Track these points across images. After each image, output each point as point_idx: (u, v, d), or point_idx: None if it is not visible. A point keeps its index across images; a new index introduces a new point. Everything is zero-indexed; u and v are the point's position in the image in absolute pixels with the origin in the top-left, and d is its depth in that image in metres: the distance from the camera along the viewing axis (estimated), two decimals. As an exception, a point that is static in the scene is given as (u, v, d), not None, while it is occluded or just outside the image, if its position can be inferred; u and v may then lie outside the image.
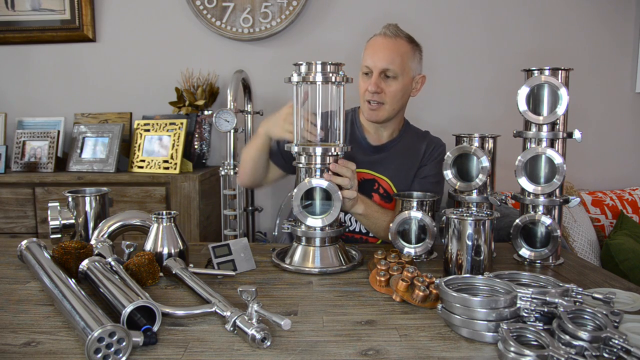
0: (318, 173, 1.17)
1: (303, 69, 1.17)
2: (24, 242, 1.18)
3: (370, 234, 1.52)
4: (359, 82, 1.53)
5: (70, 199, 1.29)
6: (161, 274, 1.08)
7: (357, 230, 1.53)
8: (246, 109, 2.41)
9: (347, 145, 1.21)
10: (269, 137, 1.43)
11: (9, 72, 2.59)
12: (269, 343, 0.76)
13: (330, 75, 1.16)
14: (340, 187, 1.17)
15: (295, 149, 1.18)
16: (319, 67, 1.16)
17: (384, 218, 1.37)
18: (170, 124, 2.29)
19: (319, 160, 1.16)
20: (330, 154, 1.16)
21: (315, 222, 1.16)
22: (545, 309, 0.81)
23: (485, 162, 1.25)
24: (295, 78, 1.18)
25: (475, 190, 1.29)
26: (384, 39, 1.50)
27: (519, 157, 1.23)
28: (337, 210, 1.16)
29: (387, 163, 1.55)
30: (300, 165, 1.19)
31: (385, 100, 1.48)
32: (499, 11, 2.50)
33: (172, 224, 1.13)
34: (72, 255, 1.07)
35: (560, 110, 1.18)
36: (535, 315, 0.80)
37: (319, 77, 1.16)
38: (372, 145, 1.57)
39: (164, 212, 1.12)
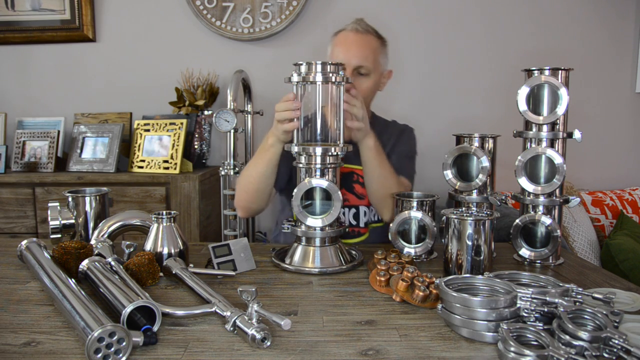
0: (318, 173, 1.17)
1: (303, 69, 1.17)
2: (24, 242, 1.18)
3: (361, 224, 1.51)
4: None
5: (70, 199, 1.29)
6: (161, 274, 1.08)
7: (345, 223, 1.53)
8: (246, 109, 2.41)
9: (348, 145, 1.21)
10: (281, 144, 1.29)
11: (9, 72, 2.59)
12: (269, 343, 0.76)
13: (330, 75, 1.16)
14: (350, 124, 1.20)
15: (295, 149, 1.18)
16: (319, 67, 1.16)
17: (388, 167, 1.37)
18: (170, 124, 2.29)
19: (319, 160, 1.16)
20: (330, 154, 1.16)
21: (315, 222, 1.16)
22: (545, 309, 0.81)
23: (485, 162, 1.25)
24: (295, 78, 1.18)
25: (475, 190, 1.29)
26: (356, 35, 1.46)
27: (519, 157, 1.23)
28: (337, 210, 1.16)
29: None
30: (300, 166, 1.19)
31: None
32: (498, 11, 2.50)
33: (172, 224, 1.13)
34: (72, 255, 1.07)
35: (560, 110, 1.18)
36: (535, 315, 0.80)
37: (319, 77, 1.16)
38: None
39: (164, 212, 1.12)
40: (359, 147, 1.35)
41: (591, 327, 0.78)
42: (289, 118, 1.21)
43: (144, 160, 2.27)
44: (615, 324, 0.78)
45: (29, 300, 0.97)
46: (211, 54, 2.52)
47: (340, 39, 1.48)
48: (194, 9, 2.45)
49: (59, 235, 1.27)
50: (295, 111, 1.19)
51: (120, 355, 0.73)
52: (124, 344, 0.73)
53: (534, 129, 1.22)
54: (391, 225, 1.24)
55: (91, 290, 0.96)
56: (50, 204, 1.28)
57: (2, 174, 2.23)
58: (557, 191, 1.22)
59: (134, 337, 0.75)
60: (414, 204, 1.23)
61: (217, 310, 0.85)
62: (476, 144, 1.29)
